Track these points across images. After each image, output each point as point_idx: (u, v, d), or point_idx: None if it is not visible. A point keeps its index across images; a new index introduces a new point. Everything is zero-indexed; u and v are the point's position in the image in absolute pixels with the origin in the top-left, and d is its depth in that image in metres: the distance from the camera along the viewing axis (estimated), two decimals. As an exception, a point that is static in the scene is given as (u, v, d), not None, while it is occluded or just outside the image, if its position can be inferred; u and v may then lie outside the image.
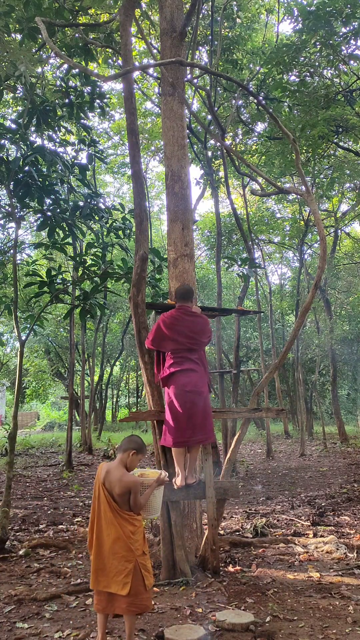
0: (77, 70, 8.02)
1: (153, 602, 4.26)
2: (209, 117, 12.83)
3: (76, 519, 7.80)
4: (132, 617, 3.55)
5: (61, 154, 8.98)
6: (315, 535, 6.58)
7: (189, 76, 8.07)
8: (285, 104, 11.16)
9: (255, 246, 20.42)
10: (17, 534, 6.92)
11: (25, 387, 27.05)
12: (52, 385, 29.40)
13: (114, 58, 11.30)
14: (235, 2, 12.04)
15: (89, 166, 9.61)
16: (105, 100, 8.67)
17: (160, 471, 3.98)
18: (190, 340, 4.99)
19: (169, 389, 4.97)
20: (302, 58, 10.12)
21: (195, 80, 10.17)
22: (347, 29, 9.46)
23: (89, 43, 8.03)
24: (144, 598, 3.51)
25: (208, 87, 11.79)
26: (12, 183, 7.47)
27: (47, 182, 7.76)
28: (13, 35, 7.39)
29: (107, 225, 8.56)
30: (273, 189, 8.93)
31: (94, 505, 3.66)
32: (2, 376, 27.54)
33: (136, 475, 3.78)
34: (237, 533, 6.85)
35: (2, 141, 7.74)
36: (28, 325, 10.73)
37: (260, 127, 14.41)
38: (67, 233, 8.28)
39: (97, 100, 8.47)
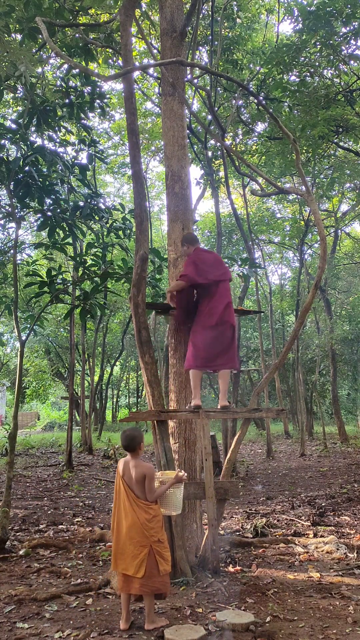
0: (77, 70, 8.02)
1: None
2: (209, 117, 12.82)
3: (76, 519, 7.80)
4: (149, 597, 3.94)
5: (61, 154, 8.97)
6: (315, 536, 6.58)
7: (189, 76, 8.07)
8: (286, 104, 11.16)
9: (256, 246, 20.43)
10: (17, 534, 6.92)
11: (26, 387, 27.05)
12: (52, 385, 29.39)
13: (114, 58, 11.30)
14: (235, 2, 12.03)
15: (89, 166, 9.61)
16: (106, 100, 8.67)
17: (177, 470, 4.37)
18: (220, 272, 5.50)
19: (203, 316, 5.38)
20: (302, 58, 10.13)
21: (195, 80, 10.16)
22: (347, 29, 9.46)
23: (89, 43, 8.03)
24: (157, 581, 3.91)
25: (208, 87, 11.79)
26: (12, 183, 7.47)
27: (47, 182, 7.76)
28: (13, 35, 7.39)
29: (108, 225, 8.56)
30: (273, 189, 8.93)
31: (116, 497, 4.09)
32: (2, 376, 27.55)
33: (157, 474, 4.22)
34: (237, 533, 6.85)
35: (2, 141, 7.74)
36: (28, 325, 10.73)
37: (260, 127, 14.41)
38: (67, 233, 8.28)
39: (98, 100, 8.47)
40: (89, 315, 8.10)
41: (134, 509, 3.95)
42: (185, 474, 4.28)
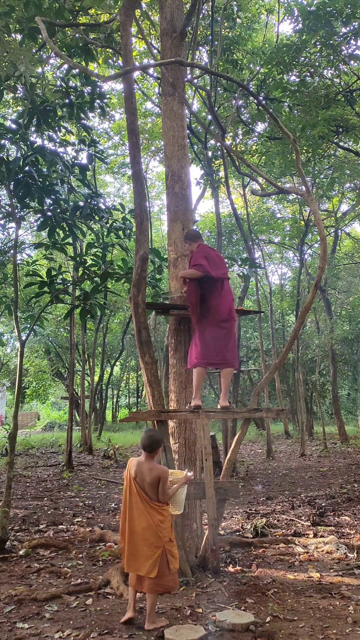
0: (77, 70, 8.01)
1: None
2: (209, 117, 12.82)
3: (76, 519, 7.80)
4: (153, 595, 3.99)
5: (61, 154, 8.97)
6: (315, 536, 6.58)
7: (189, 76, 8.07)
8: (286, 104, 11.16)
9: (256, 246, 20.42)
10: (18, 534, 6.92)
11: (26, 387, 27.04)
12: (52, 385, 29.38)
13: (114, 58, 11.30)
14: (235, 2, 12.03)
15: (89, 166, 9.61)
16: (106, 100, 8.67)
17: (186, 470, 4.45)
18: (224, 270, 5.57)
19: (212, 312, 5.39)
20: (302, 58, 10.12)
21: (195, 80, 10.16)
22: (347, 29, 9.46)
23: (89, 43, 8.03)
24: (168, 579, 4.01)
25: (208, 87, 11.78)
26: (12, 183, 7.47)
27: (47, 182, 7.76)
28: (13, 35, 7.38)
29: (108, 225, 8.55)
30: (273, 189, 8.93)
31: (125, 498, 4.11)
32: (3, 376, 27.54)
33: None
34: (237, 533, 6.85)
35: (2, 141, 7.74)
36: (28, 325, 10.72)
37: (260, 127, 14.41)
38: (67, 233, 8.28)
39: (97, 101, 8.47)
40: (89, 315, 8.10)
41: (148, 511, 3.99)
42: (192, 473, 4.42)
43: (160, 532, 3.96)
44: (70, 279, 10.47)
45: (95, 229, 9.20)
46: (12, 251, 8.66)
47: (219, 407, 5.49)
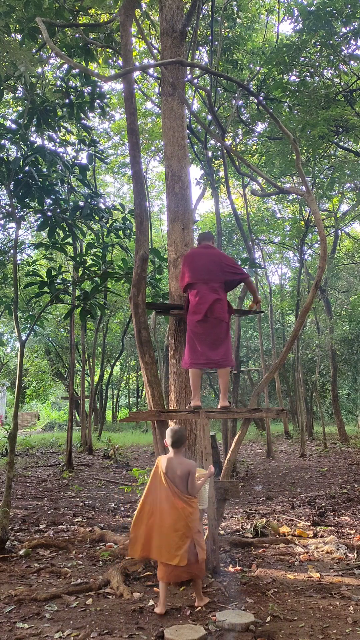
0: (77, 70, 8.02)
1: (151, 603, 4.40)
2: (209, 117, 12.82)
3: (76, 519, 7.79)
4: (198, 580, 4.39)
5: (61, 154, 8.97)
6: (315, 536, 6.58)
7: (189, 76, 8.08)
8: (286, 104, 11.16)
9: (256, 246, 20.42)
10: (18, 534, 6.91)
11: (26, 387, 27.04)
12: (52, 385, 29.38)
13: (114, 58, 11.31)
14: (235, 2, 12.03)
15: (89, 166, 9.61)
16: (106, 100, 8.67)
17: (210, 466, 4.79)
18: (206, 274, 5.56)
19: (191, 314, 5.48)
20: (302, 58, 10.13)
21: (195, 80, 10.17)
22: (347, 29, 9.47)
23: (89, 43, 8.03)
24: (195, 568, 4.29)
25: (208, 87, 11.78)
26: (12, 183, 7.47)
27: (47, 182, 7.76)
28: (13, 35, 7.39)
29: (108, 225, 8.55)
30: (273, 189, 8.93)
31: (151, 493, 4.38)
32: (3, 376, 27.53)
33: None
34: (237, 533, 6.85)
35: (2, 141, 7.74)
36: (28, 325, 10.73)
37: (260, 127, 14.42)
38: (67, 233, 8.28)
39: (97, 101, 8.47)
40: (89, 315, 8.10)
41: (179, 504, 4.24)
42: (214, 469, 4.77)
43: (190, 523, 4.24)
44: (70, 279, 10.47)
45: (95, 229, 9.20)
46: (12, 251, 8.66)
47: (219, 407, 5.49)
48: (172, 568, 4.22)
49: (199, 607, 4.29)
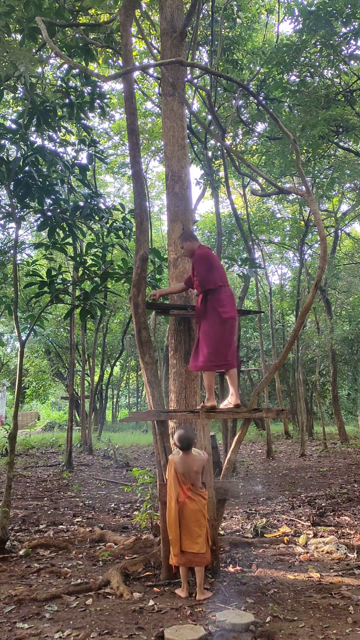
0: (77, 70, 8.01)
1: (151, 603, 4.41)
2: (209, 117, 12.81)
3: (76, 519, 7.79)
4: (202, 569, 4.68)
5: (61, 154, 8.97)
6: (315, 536, 6.58)
7: (189, 76, 8.07)
8: (286, 104, 11.17)
9: (256, 246, 20.41)
10: (18, 534, 6.91)
11: (26, 387, 27.04)
12: (52, 386, 29.38)
13: (114, 58, 11.30)
14: (235, 2, 12.03)
15: (89, 166, 9.61)
16: (106, 100, 8.67)
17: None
18: (223, 271, 5.60)
19: (212, 314, 5.33)
20: (302, 58, 10.14)
21: (195, 80, 10.16)
22: (347, 29, 9.47)
23: (89, 43, 8.03)
24: (209, 554, 4.73)
25: (208, 87, 11.78)
26: (12, 183, 7.47)
27: (47, 182, 7.76)
28: (13, 35, 7.39)
29: (108, 225, 8.55)
30: (273, 189, 8.92)
31: (175, 490, 4.71)
32: (3, 376, 27.52)
33: None
34: (237, 533, 6.85)
35: (2, 141, 7.74)
36: (28, 326, 10.72)
37: (260, 127, 14.42)
38: (67, 233, 8.27)
39: (97, 101, 8.46)
40: (89, 315, 8.10)
41: (196, 498, 4.73)
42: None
43: (205, 513, 4.74)
44: (70, 279, 10.47)
45: (95, 229, 9.19)
46: (12, 251, 8.66)
47: (232, 405, 5.44)
48: (193, 555, 4.60)
49: (200, 600, 4.44)
